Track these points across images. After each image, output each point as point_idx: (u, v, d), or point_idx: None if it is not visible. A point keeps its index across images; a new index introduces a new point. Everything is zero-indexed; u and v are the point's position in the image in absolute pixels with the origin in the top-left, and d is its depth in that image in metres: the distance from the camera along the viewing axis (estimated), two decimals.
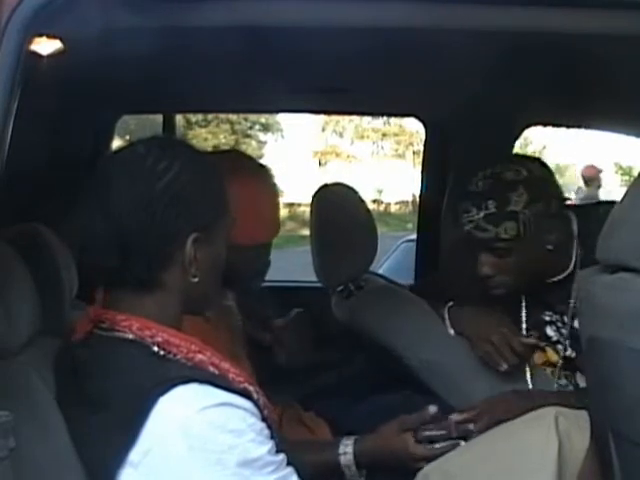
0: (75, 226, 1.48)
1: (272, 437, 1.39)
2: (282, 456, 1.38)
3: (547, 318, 2.25)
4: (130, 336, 1.41)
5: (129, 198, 1.41)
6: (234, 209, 1.57)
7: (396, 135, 24.98)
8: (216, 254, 1.50)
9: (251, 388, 1.46)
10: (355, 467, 1.91)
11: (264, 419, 1.40)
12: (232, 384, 1.40)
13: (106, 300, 1.46)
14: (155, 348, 1.40)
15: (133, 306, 1.43)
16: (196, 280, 1.45)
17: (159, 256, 1.42)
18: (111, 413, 1.34)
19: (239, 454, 1.31)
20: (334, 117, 21.72)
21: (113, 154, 1.55)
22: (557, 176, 2.39)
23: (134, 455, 1.31)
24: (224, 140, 21.25)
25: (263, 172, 2.12)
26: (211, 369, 1.42)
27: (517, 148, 3.11)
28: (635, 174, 1.80)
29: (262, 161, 2.25)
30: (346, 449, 1.91)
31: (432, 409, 1.94)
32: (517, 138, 3.01)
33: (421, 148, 3.05)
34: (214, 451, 1.30)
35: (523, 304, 2.26)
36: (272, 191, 2.11)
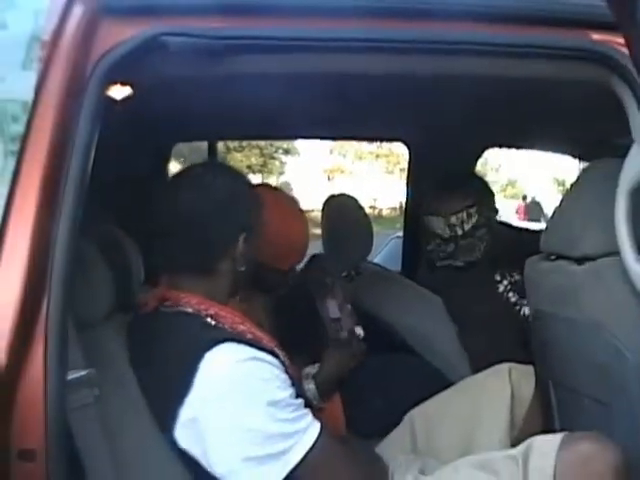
0: (143, 226, 1.51)
1: (293, 385, 1.41)
2: (300, 400, 1.40)
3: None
4: (189, 309, 1.44)
5: (198, 205, 1.46)
6: (273, 238, 1.63)
7: (386, 156, 24.89)
8: (254, 250, 1.53)
9: (278, 350, 1.48)
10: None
11: (287, 372, 1.42)
12: (264, 346, 1.42)
13: (170, 282, 1.50)
14: (208, 319, 1.43)
15: (192, 287, 1.47)
16: (242, 269, 1.50)
17: (218, 249, 1.47)
18: (172, 367, 1.36)
19: (267, 396, 1.33)
20: (339, 142, 21.66)
21: (179, 173, 1.59)
22: (509, 187, 2.41)
23: (191, 397, 1.33)
24: (255, 161, 21.21)
25: (294, 205, 2.03)
26: (249, 336, 1.44)
27: (478, 166, 3.10)
28: (568, 185, 1.81)
29: (284, 177, 2.22)
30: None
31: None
32: (479, 157, 3.00)
33: (406, 166, 3.03)
34: (249, 393, 1.32)
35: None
36: (303, 223, 2.01)
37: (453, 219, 2.30)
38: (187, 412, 1.34)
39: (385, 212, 23.88)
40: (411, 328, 2.25)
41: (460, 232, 2.30)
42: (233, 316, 1.48)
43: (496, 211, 2.40)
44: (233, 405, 1.32)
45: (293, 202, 2.05)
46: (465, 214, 2.29)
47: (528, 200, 16.25)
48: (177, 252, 1.48)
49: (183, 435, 1.36)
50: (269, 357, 1.38)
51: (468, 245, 2.31)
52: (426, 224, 2.36)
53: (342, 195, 2.53)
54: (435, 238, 2.35)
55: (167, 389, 1.37)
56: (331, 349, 1.96)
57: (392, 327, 2.27)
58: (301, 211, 2.05)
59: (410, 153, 2.99)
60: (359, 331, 1.98)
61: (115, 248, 1.61)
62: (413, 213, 3.01)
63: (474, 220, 2.30)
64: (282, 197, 2.03)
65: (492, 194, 2.44)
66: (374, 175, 25.26)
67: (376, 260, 4.95)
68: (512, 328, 2.16)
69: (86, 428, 1.25)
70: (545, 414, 1.79)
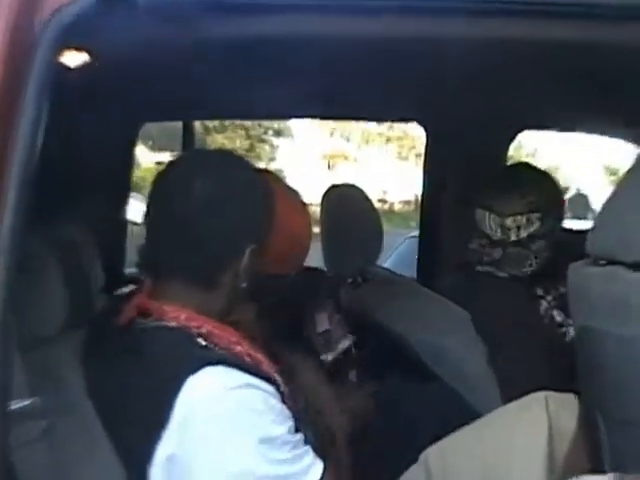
0: (106, 222, 1.50)
1: (292, 418, 1.40)
2: (300, 435, 1.39)
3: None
4: (174, 324, 1.43)
5: (217, 200, 1.47)
6: (272, 239, 1.60)
7: (399, 139, 24.90)
8: (257, 264, 1.53)
9: (278, 378, 1.48)
10: None
11: (284, 402, 1.42)
12: (261, 371, 1.42)
13: (154, 291, 1.49)
14: (199, 339, 1.42)
15: (183, 299, 1.46)
16: (244, 285, 1.50)
17: (226, 260, 1.47)
18: (146, 393, 1.36)
19: (261, 432, 1.32)
20: (341, 123, 21.67)
21: (188, 157, 1.60)
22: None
23: (168, 429, 1.33)
24: (239, 145, 21.21)
25: (296, 198, 2.02)
26: (246, 359, 1.44)
27: (510, 150, 3.10)
28: (621, 175, 1.80)
29: (275, 164, 2.23)
30: None
31: None
32: (512, 141, 3.00)
33: (422, 151, 3.03)
34: (238, 427, 1.32)
35: None
36: (307, 220, 2.01)
37: (509, 221, 2.28)
38: (164, 449, 1.33)
39: (397, 207, 23.91)
40: (430, 347, 2.24)
41: (513, 238, 2.28)
42: (229, 335, 1.47)
43: (561, 221, 2.38)
44: (219, 442, 1.31)
45: (295, 194, 2.03)
46: (525, 219, 2.27)
47: (571, 192, 16.23)
48: (173, 255, 1.47)
49: (158, 476, 1.35)
50: (265, 384, 1.38)
51: (518, 255, 2.30)
52: (475, 218, 2.34)
53: (345, 186, 2.52)
54: (481, 237, 2.33)
55: (139, 419, 1.36)
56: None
57: (407, 345, 2.26)
58: (304, 205, 2.04)
59: (427, 136, 2.98)
60: (345, 344, 1.98)
61: (70, 249, 1.60)
62: (431, 208, 3.01)
63: (534, 228, 2.28)
64: (283, 188, 1.99)
65: (562, 201, 2.43)
66: (384, 162, 25.28)
67: (386, 264, 4.96)
68: (554, 353, 2.15)
69: (32, 468, 1.23)
70: (591, 451, 1.78)
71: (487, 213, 2.30)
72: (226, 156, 1.61)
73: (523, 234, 2.27)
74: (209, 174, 1.49)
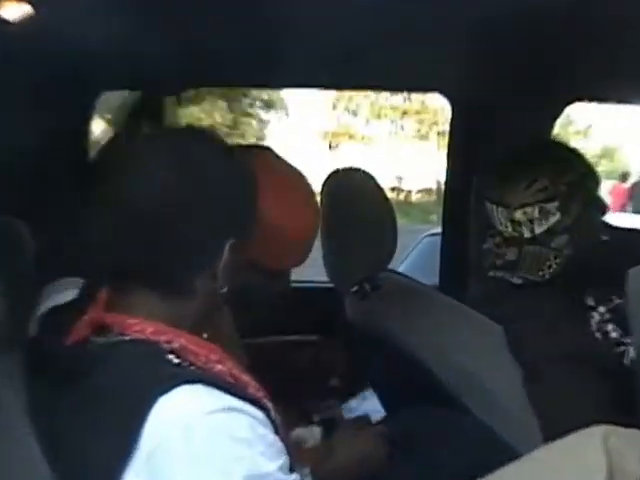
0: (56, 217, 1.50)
1: (286, 453, 1.41)
2: (295, 476, 1.40)
3: None
4: (141, 337, 1.43)
5: (181, 191, 1.46)
6: (263, 225, 1.62)
7: (418, 113, 24.94)
8: (237, 263, 1.53)
9: (269, 404, 1.48)
10: None
11: (277, 433, 1.42)
12: (247, 395, 1.42)
13: (114, 302, 1.49)
14: (170, 356, 1.42)
15: (149, 309, 1.47)
16: (223, 290, 1.52)
17: (197, 261, 1.48)
18: (105, 417, 1.36)
19: (247, 466, 1.32)
20: (346, 93, 21.67)
21: (151, 139, 1.60)
22: (605, 160, 2.40)
23: (136, 460, 1.33)
24: (220, 120, 21.21)
25: (300, 180, 2.04)
26: (229, 379, 1.45)
27: (557, 128, 3.10)
28: None
29: (264, 143, 2.23)
30: None
31: None
32: (558, 117, 3.00)
33: (447, 128, 3.03)
34: (219, 461, 1.32)
35: None
36: (312, 205, 2.04)
37: (518, 214, 2.26)
38: None
39: (415, 197, 23.95)
40: (457, 371, 2.24)
41: (528, 235, 2.27)
42: (208, 352, 1.47)
43: (601, 209, 2.35)
44: (196, 478, 1.31)
45: (298, 176, 2.04)
46: (537, 210, 2.25)
47: (633, 180, 16.08)
48: (134, 258, 1.47)
49: None
50: (252, 409, 1.38)
51: (535, 255, 2.28)
52: (486, 211, 2.34)
53: (350, 171, 2.51)
54: (495, 235, 2.33)
55: (97, 455, 1.35)
56: (342, 431, 1.98)
57: (427, 370, 2.26)
58: (309, 189, 2.05)
59: (453, 109, 2.98)
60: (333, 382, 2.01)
61: (6, 251, 1.60)
62: (457, 199, 3.01)
63: (552, 221, 2.26)
64: (283, 167, 2.02)
65: (594, 182, 2.37)
66: (399, 142, 25.32)
67: (402, 268, 4.95)
68: (610, 378, 2.15)
69: None
70: None
71: (494, 206, 2.29)
72: (193, 135, 1.59)
73: (539, 229, 2.25)
74: (172, 160, 1.49)
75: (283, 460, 1.38)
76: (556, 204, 2.23)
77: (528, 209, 2.24)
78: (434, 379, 2.26)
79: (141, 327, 1.44)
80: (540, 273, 2.26)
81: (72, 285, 1.66)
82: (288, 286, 2.11)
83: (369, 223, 2.40)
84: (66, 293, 1.61)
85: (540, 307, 2.25)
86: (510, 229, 2.28)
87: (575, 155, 2.36)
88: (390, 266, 2.58)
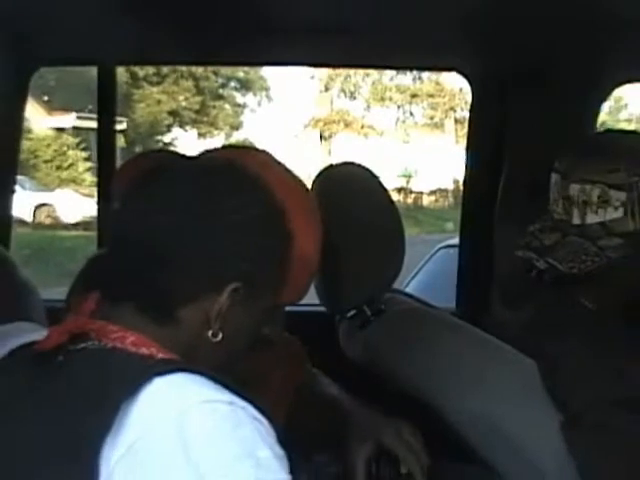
0: None
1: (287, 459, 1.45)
2: None
3: None
4: (120, 346, 1.51)
5: (162, 224, 1.58)
6: None
7: (431, 96, 25.03)
8: (252, 319, 1.65)
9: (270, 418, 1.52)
10: None
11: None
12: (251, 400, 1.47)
13: (98, 311, 1.58)
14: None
15: (132, 323, 1.56)
16: (215, 340, 1.59)
17: (178, 291, 1.58)
18: (80, 414, 1.41)
19: (250, 471, 1.37)
20: (342, 71, 21.72)
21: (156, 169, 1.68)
22: None
23: (119, 438, 1.38)
24: (185, 103, 21.22)
25: (305, 188, 2.10)
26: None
27: (604, 114, 3.12)
28: None
29: (241, 132, 2.26)
30: None
31: None
32: (604, 100, 3.02)
33: (466, 115, 3.05)
34: (216, 459, 1.37)
35: None
36: (316, 227, 2.09)
37: (574, 189, 2.28)
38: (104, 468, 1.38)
39: (427, 200, 23.96)
40: (478, 420, 2.24)
41: (577, 220, 2.28)
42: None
43: None
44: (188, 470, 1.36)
45: (302, 186, 2.10)
46: (597, 192, 2.27)
47: None
48: (125, 277, 1.59)
49: None
50: (254, 411, 1.43)
51: (575, 247, 2.30)
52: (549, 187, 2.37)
53: (347, 166, 2.53)
54: (546, 219, 2.34)
55: (73, 428, 1.41)
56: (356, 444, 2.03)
57: (440, 416, 2.27)
58: (313, 204, 2.11)
59: (473, 92, 3.00)
60: None
61: None
62: (478, 201, 3.02)
63: (611, 216, 2.27)
64: (288, 177, 2.07)
65: None
66: (407, 131, 25.36)
67: (411, 287, 4.96)
68: None
69: None
70: None
71: (554, 176, 2.32)
72: (214, 166, 1.71)
73: (591, 219, 2.27)
74: (187, 184, 1.62)
75: (285, 462, 1.42)
76: (622, 196, 2.24)
77: (587, 186, 2.25)
78: (449, 429, 2.27)
79: (121, 334, 1.53)
80: (570, 265, 2.26)
81: (31, 328, 1.72)
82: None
83: (370, 232, 2.41)
84: (30, 335, 1.67)
85: (593, 341, 2.26)
86: (561, 209, 2.29)
87: None
88: (396, 285, 2.60)
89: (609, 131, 2.52)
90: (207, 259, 1.58)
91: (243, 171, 1.68)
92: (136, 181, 1.67)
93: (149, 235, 1.58)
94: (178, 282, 1.57)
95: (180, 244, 1.57)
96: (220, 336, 1.59)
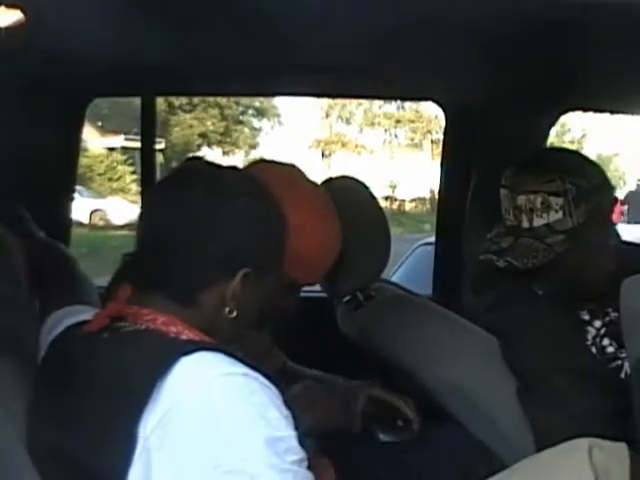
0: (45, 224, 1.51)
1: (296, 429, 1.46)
2: (304, 454, 1.46)
3: None
4: (152, 326, 1.55)
5: (184, 218, 1.61)
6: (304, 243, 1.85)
7: (412, 122, 24.97)
8: (262, 297, 1.67)
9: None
10: None
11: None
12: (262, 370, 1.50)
13: (132, 298, 1.61)
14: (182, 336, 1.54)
15: (162, 307, 1.59)
16: (232, 316, 1.61)
17: (200, 277, 1.60)
18: (121, 382, 1.45)
19: (266, 428, 1.40)
20: (340, 101, 21.70)
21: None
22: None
23: (151, 415, 1.41)
24: (212, 127, 21.20)
25: (323, 197, 2.17)
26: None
27: (552, 137, 3.10)
28: None
29: (257, 151, 2.27)
30: None
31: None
32: (553, 125, 3.00)
33: (441, 137, 3.03)
34: (239, 420, 1.41)
35: None
36: (334, 223, 2.16)
37: (521, 199, 2.26)
38: (143, 452, 1.40)
39: (409, 206, 23.97)
40: (450, 385, 2.23)
41: (525, 224, 2.27)
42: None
43: (609, 228, 2.34)
44: (209, 440, 1.38)
45: (321, 193, 2.18)
46: (540, 200, 2.25)
47: (629, 188, 16.05)
48: (153, 267, 1.61)
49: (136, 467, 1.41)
50: (268, 382, 1.46)
51: (526, 246, 2.28)
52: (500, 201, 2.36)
53: (343, 179, 2.51)
54: (500, 226, 2.34)
55: (110, 408, 1.44)
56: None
57: (419, 381, 2.25)
58: (330, 205, 2.17)
59: (447, 118, 2.98)
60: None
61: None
62: (450, 207, 3.01)
63: (553, 218, 2.26)
64: (308, 187, 2.16)
65: (607, 200, 2.36)
66: (392, 150, 25.34)
67: (395, 277, 4.94)
68: (607, 393, 2.14)
69: None
70: None
71: (503, 191, 2.31)
72: (227, 169, 1.74)
73: (537, 222, 2.25)
74: (201, 186, 1.64)
75: (296, 433, 1.44)
76: (560, 201, 2.23)
77: (531, 196, 2.25)
78: (426, 391, 2.25)
79: (153, 316, 1.56)
80: (524, 261, 2.26)
81: (85, 310, 1.74)
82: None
83: (362, 233, 2.39)
84: (83, 315, 1.68)
85: (538, 319, 2.25)
86: (511, 216, 2.29)
87: (596, 168, 2.36)
88: (383, 276, 2.58)
89: (546, 150, 2.50)
90: (222, 251, 1.59)
91: (251, 177, 1.71)
92: (158, 186, 1.72)
93: (169, 233, 1.60)
94: (197, 271, 1.59)
95: (197, 240, 1.59)
96: (235, 313, 1.61)
